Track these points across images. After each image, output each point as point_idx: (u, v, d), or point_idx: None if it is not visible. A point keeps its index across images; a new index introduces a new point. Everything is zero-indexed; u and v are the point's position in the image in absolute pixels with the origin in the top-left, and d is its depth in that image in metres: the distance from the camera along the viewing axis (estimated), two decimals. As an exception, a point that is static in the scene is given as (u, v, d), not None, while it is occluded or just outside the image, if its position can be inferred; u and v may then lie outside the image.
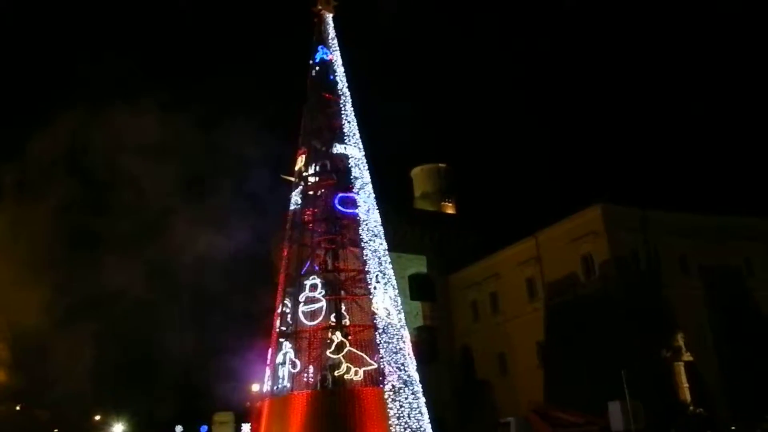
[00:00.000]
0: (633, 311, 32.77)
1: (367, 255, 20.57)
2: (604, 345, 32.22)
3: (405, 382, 19.14)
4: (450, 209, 57.04)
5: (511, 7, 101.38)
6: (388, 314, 19.89)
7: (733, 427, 28.24)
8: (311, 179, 22.17)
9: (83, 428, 49.52)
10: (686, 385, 30.51)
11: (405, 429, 18.15)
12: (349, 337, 19.05)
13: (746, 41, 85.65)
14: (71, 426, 48.45)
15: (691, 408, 28.65)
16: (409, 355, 20.11)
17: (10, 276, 30.76)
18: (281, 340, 19.76)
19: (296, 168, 22.93)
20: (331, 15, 25.17)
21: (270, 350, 20.36)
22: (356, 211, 21.17)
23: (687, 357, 31.15)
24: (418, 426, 18.71)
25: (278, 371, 19.30)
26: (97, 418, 50.23)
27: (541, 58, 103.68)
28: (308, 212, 21.82)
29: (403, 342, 20.13)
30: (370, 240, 20.90)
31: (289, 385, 18.85)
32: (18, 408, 42.02)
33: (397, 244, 38.33)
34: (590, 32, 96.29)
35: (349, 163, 22.02)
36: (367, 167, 22.60)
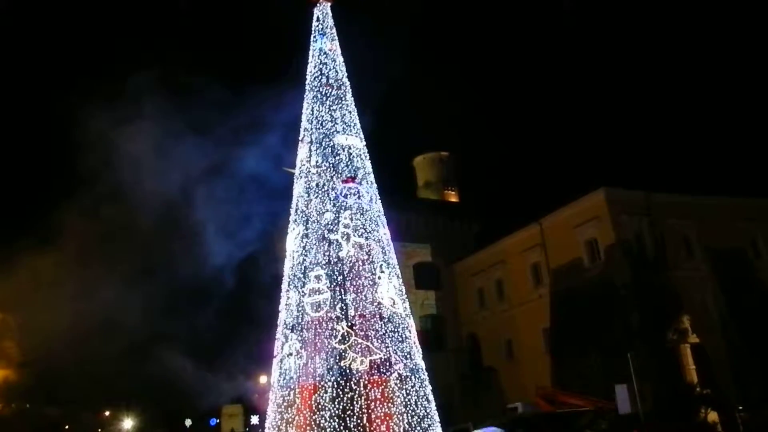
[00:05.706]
0: (638, 295, 32.77)
1: (371, 245, 20.53)
2: (610, 329, 32.23)
3: (411, 371, 19.18)
4: (453, 197, 57.06)
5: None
6: (393, 303, 19.90)
7: (740, 407, 28.28)
8: (313, 170, 22.09)
9: (94, 424, 49.92)
10: (693, 366, 30.59)
11: (412, 416, 18.20)
12: (355, 327, 19.06)
13: (752, 21, 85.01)
14: (82, 423, 48.84)
15: (698, 389, 28.70)
16: (415, 343, 20.13)
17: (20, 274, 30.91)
18: (287, 331, 19.79)
19: (298, 159, 22.86)
20: (329, 3, 24.97)
21: (276, 342, 20.41)
22: (359, 201, 21.11)
23: (693, 339, 31.20)
24: (426, 413, 18.76)
25: (284, 363, 19.34)
26: (107, 414, 50.67)
27: (540, 44, 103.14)
28: (311, 204, 21.74)
29: (409, 331, 20.15)
30: (373, 230, 20.86)
31: (295, 376, 18.90)
32: (28, 406, 42.33)
33: (401, 233, 38.35)
34: (590, 16, 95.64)
35: (350, 154, 21.93)
36: (368, 157, 22.52)
